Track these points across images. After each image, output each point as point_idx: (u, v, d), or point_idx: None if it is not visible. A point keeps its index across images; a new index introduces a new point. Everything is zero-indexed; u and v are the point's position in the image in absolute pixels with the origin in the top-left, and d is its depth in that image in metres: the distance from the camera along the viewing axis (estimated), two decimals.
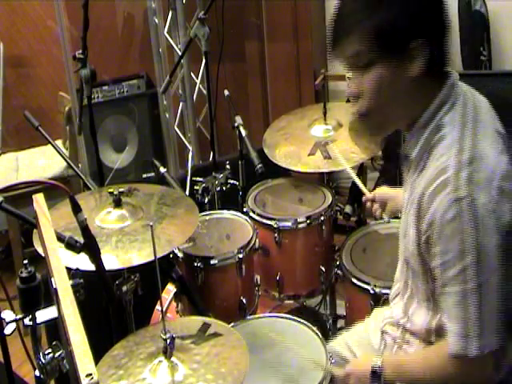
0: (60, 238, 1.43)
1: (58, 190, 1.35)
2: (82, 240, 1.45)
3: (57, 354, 1.38)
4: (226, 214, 2.32)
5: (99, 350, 1.44)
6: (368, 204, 1.98)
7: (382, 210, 1.93)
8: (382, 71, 1.34)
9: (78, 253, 1.47)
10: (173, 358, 1.48)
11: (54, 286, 1.11)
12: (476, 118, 1.38)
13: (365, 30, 1.32)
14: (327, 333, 2.34)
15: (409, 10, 1.32)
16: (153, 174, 3.45)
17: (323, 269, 2.30)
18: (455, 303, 1.32)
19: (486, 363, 1.35)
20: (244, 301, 2.12)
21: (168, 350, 1.47)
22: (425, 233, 1.35)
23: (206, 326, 1.65)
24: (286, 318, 1.96)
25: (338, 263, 2.23)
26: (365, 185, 2.26)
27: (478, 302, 1.29)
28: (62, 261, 1.18)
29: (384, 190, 1.96)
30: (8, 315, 1.44)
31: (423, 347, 1.54)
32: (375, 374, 1.51)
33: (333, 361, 1.74)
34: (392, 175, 2.04)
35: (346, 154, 2.29)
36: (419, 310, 1.52)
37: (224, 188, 2.44)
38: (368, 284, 2.04)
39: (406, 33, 1.31)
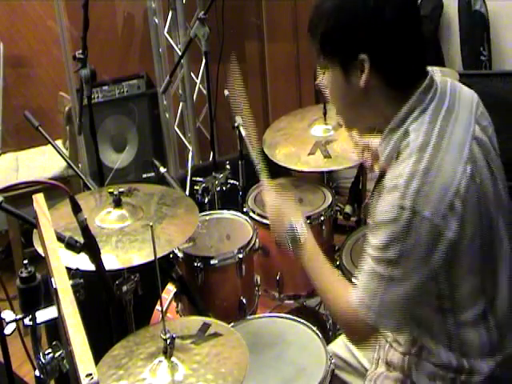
0: (60, 238, 1.43)
1: (57, 189, 1.35)
2: (82, 240, 1.45)
3: (57, 354, 1.38)
4: (226, 214, 2.32)
5: (99, 350, 1.44)
6: (360, 151, 1.93)
7: (374, 160, 1.87)
8: (333, 76, 1.42)
9: (78, 253, 1.47)
10: (173, 358, 1.48)
11: (54, 286, 1.11)
12: (444, 127, 1.35)
13: (317, 35, 1.39)
14: (327, 333, 2.34)
15: (355, 25, 1.33)
16: (153, 174, 3.45)
17: None
18: (364, 271, 1.38)
19: (367, 333, 1.41)
20: (244, 301, 2.12)
21: (168, 350, 1.47)
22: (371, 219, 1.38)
23: (205, 325, 1.65)
24: (286, 317, 1.97)
25: (338, 263, 2.23)
26: (364, 185, 2.27)
27: (380, 288, 1.34)
28: (62, 261, 1.18)
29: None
30: (8, 315, 1.44)
31: None
32: (293, 233, 1.60)
33: (333, 361, 1.74)
34: None
35: (346, 153, 2.29)
36: None
37: (224, 188, 2.44)
38: None
39: (351, 46, 1.34)
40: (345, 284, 1.49)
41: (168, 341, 1.46)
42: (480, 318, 1.42)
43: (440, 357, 1.46)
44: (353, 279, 1.46)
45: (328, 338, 1.96)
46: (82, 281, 1.45)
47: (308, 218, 2.24)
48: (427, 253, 1.30)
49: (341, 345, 1.84)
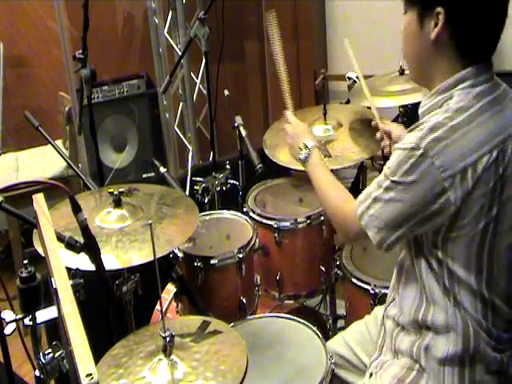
0: (60, 238, 1.42)
1: (58, 189, 1.34)
2: (82, 240, 1.45)
3: (57, 354, 1.38)
4: (226, 213, 2.32)
5: (99, 350, 1.44)
6: (379, 135, 2.06)
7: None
8: (409, 20, 1.45)
9: (78, 253, 1.47)
10: (172, 356, 1.48)
11: (54, 286, 1.11)
12: (486, 108, 1.39)
13: None
14: (327, 333, 2.34)
15: None
16: (153, 174, 3.45)
17: (323, 269, 2.30)
18: (375, 181, 1.48)
19: (356, 234, 1.54)
20: (244, 301, 2.12)
21: (167, 348, 1.47)
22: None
23: (205, 323, 1.65)
24: (286, 317, 1.97)
25: (337, 263, 2.24)
26: (364, 185, 2.26)
27: (379, 199, 1.44)
28: (62, 261, 1.18)
29: (401, 130, 2.01)
30: (8, 315, 1.44)
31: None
32: (304, 147, 1.82)
33: (333, 361, 1.74)
34: None
35: (346, 153, 2.29)
36: (408, 287, 1.56)
37: (224, 188, 2.45)
38: (368, 284, 2.04)
39: None
40: (348, 192, 1.66)
41: (167, 339, 1.46)
42: (473, 294, 1.45)
43: (447, 316, 1.46)
44: None
45: (328, 338, 1.96)
46: (82, 281, 1.45)
47: (308, 217, 2.24)
48: (425, 198, 1.37)
49: (340, 343, 1.84)
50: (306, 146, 1.83)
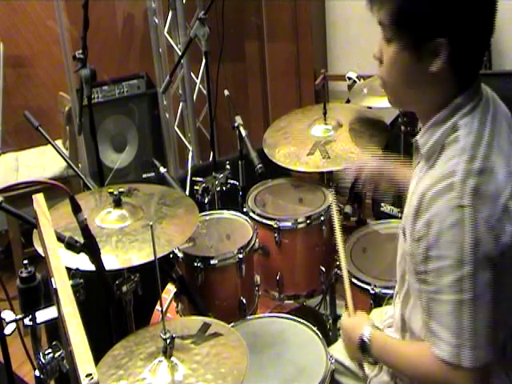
0: (60, 238, 1.42)
1: (58, 189, 1.35)
2: (82, 240, 1.45)
3: (57, 354, 1.38)
4: (226, 213, 2.32)
5: (99, 350, 1.44)
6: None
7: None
8: (400, 52, 1.30)
9: (78, 253, 1.47)
10: (173, 358, 1.48)
11: (54, 286, 1.11)
12: (494, 129, 1.31)
13: (391, 5, 1.28)
14: (327, 333, 2.34)
15: (439, 5, 1.23)
16: (153, 174, 3.45)
17: (323, 269, 2.30)
18: (449, 312, 1.26)
19: (479, 377, 1.27)
20: (244, 301, 2.12)
21: (168, 350, 1.47)
22: (418, 232, 1.29)
23: (206, 325, 1.65)
24: (286, 318, 1.97)
25: (337, 263, 2.23)
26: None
27: (473, 314, 1.23)
28: (62, 261, 1.18)
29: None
30: (8, 315, 1.45)
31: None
32: (362, 343, 1.48)
33: (333, 361, 1.74)
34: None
35: (346, 154, 2.29)
36: (415, 310, 1.45)
37: (224, 188, 2.45)
38: (368, 284, 2.04)
39: (430, 27, 1.25)
40: (419, 347, 1.40)
41: (168, 341, 1.46)
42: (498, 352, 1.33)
43: None
44: (427, 337, 1.35)
45: (328, 338, 1.96)
46: (81, 281, 1.45)
47: (308, 217, 2.24)
48: (493, 255, 1.23)
49: (341, 350, 1.83)
50: (363, 341, 1.49)
